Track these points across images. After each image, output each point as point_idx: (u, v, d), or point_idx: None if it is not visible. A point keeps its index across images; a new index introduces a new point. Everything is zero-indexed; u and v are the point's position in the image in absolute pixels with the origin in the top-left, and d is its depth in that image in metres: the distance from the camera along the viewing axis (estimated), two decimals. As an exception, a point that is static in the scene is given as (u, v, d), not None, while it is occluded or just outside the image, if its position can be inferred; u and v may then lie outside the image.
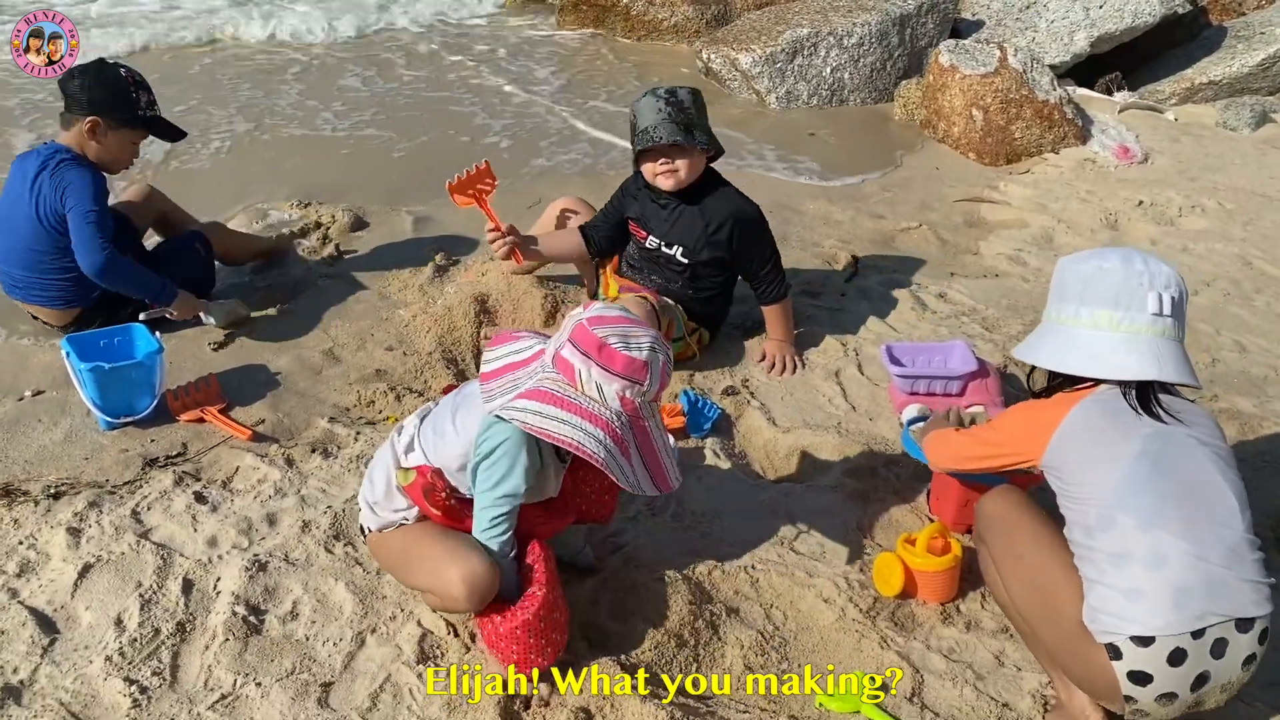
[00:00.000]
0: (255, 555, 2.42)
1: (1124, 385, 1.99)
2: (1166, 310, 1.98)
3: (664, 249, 3.28)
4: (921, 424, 2.67)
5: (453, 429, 2.09)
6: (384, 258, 3.99)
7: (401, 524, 2.18)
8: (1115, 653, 1.82)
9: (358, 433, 2.93)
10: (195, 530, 2.52)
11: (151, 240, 3.76)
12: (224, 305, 3.44)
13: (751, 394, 3.20)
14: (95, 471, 2.75)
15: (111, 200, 3.42)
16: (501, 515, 2.04)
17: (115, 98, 3.22)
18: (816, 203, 4.75)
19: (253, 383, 3.16)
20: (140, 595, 2.29)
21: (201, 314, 3.37)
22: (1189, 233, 4.59)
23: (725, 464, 2.86)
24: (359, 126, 5.46)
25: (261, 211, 4.31)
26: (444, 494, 2.10)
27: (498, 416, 1.96)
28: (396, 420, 3.00)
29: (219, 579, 2.36)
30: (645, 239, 3.32)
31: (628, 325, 1.97)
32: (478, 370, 3.34)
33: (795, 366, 3.32)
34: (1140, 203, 4.81)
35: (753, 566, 2.45)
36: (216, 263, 3.75)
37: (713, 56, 6.29)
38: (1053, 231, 4.51)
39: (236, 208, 4.35)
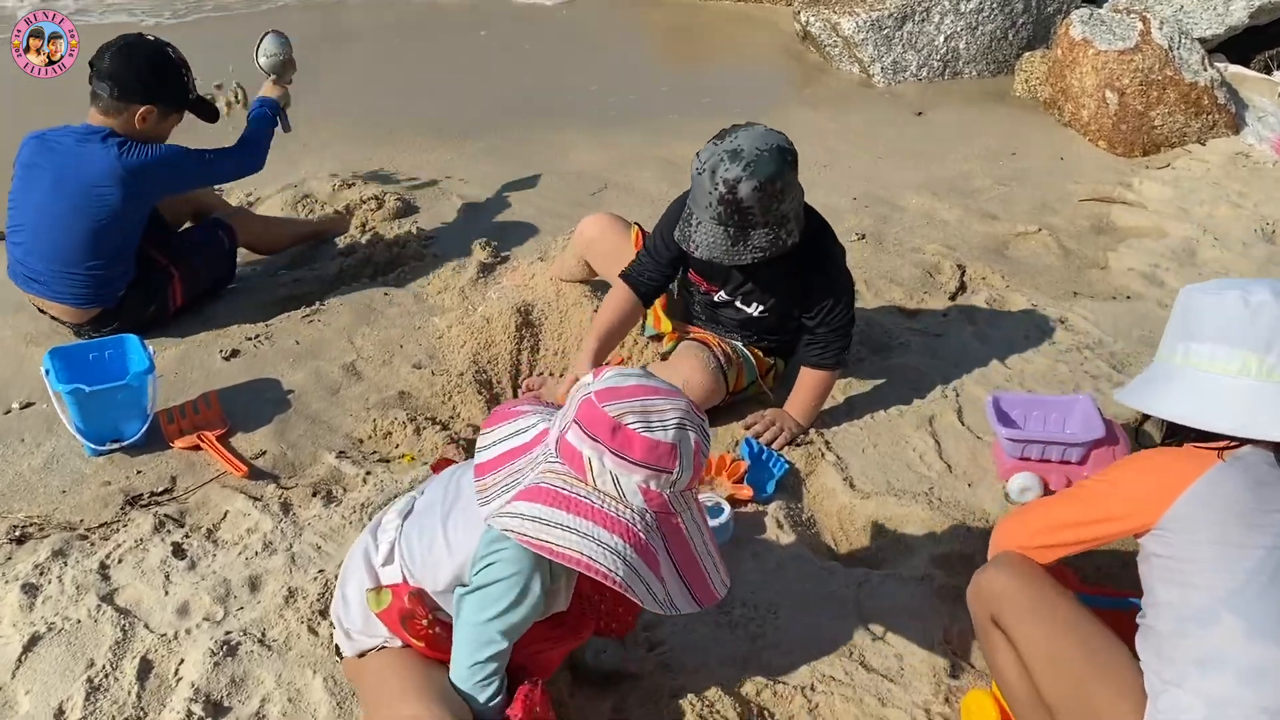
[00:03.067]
0: (227, 633, 2.06)
1: (1276, 449, 1.60)
2: None
3: (738, 304, 2.73)
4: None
5: (444, 540, 1.67)
6: (426, 250, 3.60)
7: (382, 647, 1.78)
8: None
9: (367, 473, 2.56)
10: (166, 593, 2.18)
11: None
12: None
13: (827, 444, 2.72)
14: (70, 509, 2.43)
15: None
16: (491, 659, 1.62)
17: (171, 83, 2.99)
18: (920, 197, 4.19)
19: (260, 402, 2.81)
20: (89, 679, 1.96)
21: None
22: (1362, 248, 3.91)
23: (789, 536, 2.41)
24: (413, 99, 5.06)
25: (300, 192, 3.95)
26: (425, 621, 1.70)
27: (494, 527, 1.54)
28: (413, 459, 2.62)
29: (181, 662, 2.01)
30: (713, 293, 2.75)
31: (648, 397, 1.53)
32: (516, 395, 2.96)
33: (783, 442, 2.68)
34: (1303, 209, 4.14)
35: (812, 687, 2.00)
36: (250, 253, 3.45)
37: (812, 20, 5.71)
38: (1196, 243, 3.87)
39: (273, 186, 4.00)
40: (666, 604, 1.53)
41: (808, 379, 2.73)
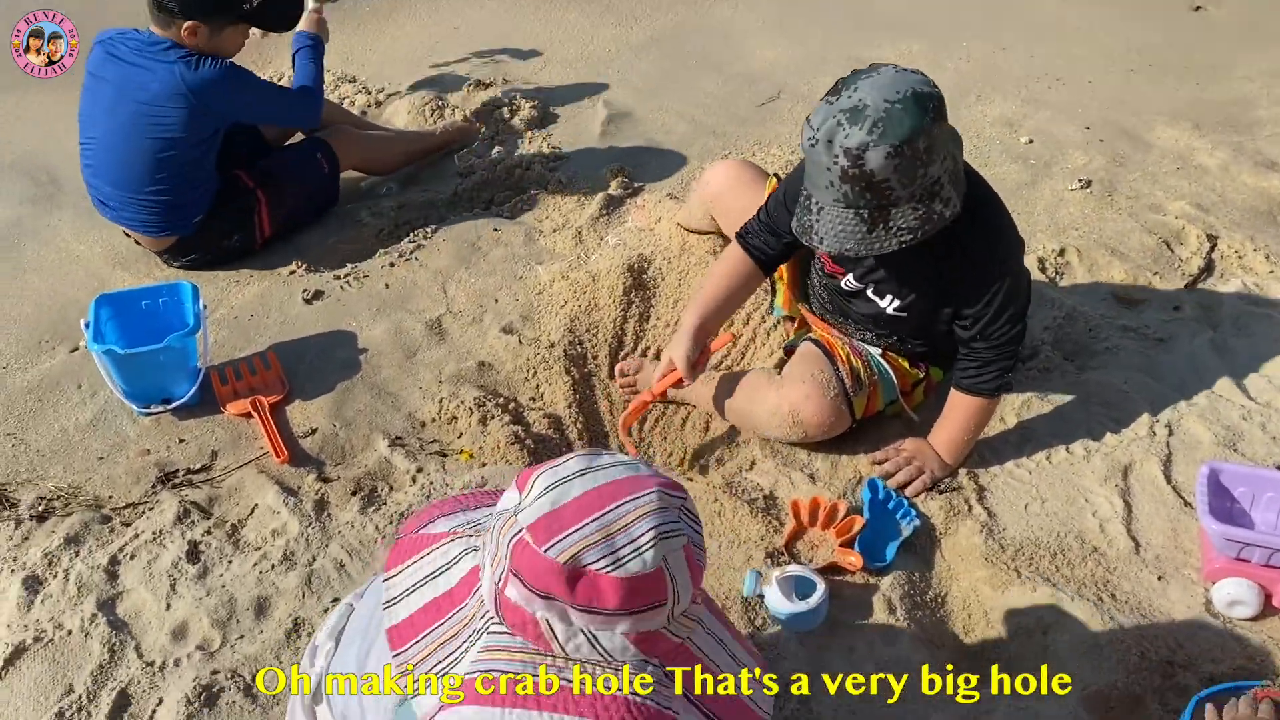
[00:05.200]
0: (214, 673, 1.82)
1: None
2: None
3: (869, 294, 2.13)
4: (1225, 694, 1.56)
5: (358, 704, 1.27)
6: (551, 174, 3.14)
7: None
8: None
9: (418, 470, 2.22)
10: (168, 607, 1.95)
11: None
12: None
13: (979, 491, 2.14)
14: (102, 481, 2.23)
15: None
16: None
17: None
18: (1176, 129, 3.31)
19: (327, 362, 2.51)
20: (60, 712, 1.77)
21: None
22: None
23: (901, 624, 1.88)
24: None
25: (433, 92, 3.54)
26: None
27: None
28: (471, 457, 2.26)
29: (159, 703, 1.79)
30: (841, 276, 2.15)
31: (604, 510, 1.07)
32: (611, 377, 2.51)
33: (920, 488, 2.12)
34: None
35: None
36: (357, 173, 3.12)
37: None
38: None
39: (406, 80, 3.62)
40: None
41: (958, 406, 2.13)
